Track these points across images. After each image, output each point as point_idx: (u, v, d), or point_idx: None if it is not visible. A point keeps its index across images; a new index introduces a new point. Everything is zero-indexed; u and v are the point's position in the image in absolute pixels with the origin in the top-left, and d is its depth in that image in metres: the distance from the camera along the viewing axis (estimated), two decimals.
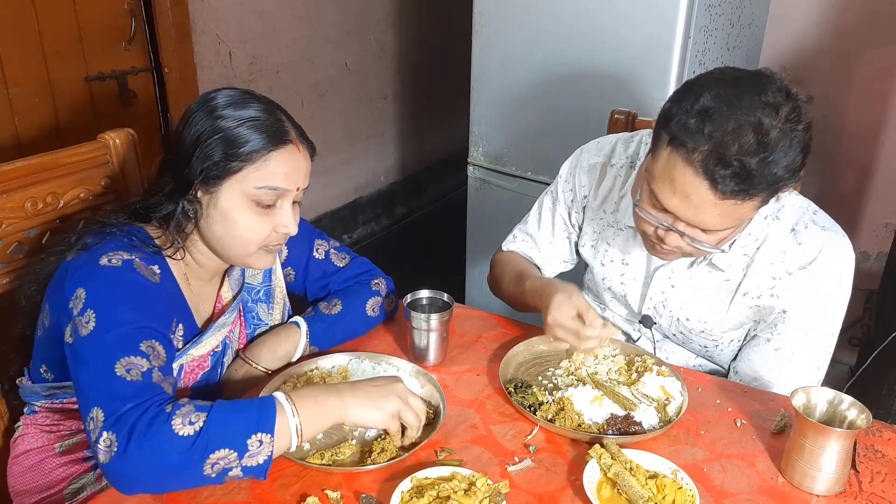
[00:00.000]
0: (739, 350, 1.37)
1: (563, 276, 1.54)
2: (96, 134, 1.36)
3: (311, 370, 1.25)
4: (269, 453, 0.94)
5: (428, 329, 1.26)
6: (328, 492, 0.99)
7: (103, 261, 1.03)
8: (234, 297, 1.26)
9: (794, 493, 1.02)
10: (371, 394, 1.04)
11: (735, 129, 1.02)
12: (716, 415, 1.18)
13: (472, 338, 1.39)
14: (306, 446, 1.07)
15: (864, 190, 2.73)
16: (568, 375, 1.26)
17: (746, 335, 1.35)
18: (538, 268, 1.53)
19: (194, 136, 1.07)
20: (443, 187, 4.44)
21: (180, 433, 0.90)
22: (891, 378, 2.11)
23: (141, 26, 2.43)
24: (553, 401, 1.16)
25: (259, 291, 1.32)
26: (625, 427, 1.11)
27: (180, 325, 1.14)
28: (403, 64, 3.87)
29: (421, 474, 0.99)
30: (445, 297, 1.32)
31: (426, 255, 3.77)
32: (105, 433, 0.90)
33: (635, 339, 1.44)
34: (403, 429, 1.06)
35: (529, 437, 1.12)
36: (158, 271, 1.09)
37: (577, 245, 1.52)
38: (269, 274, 1.33)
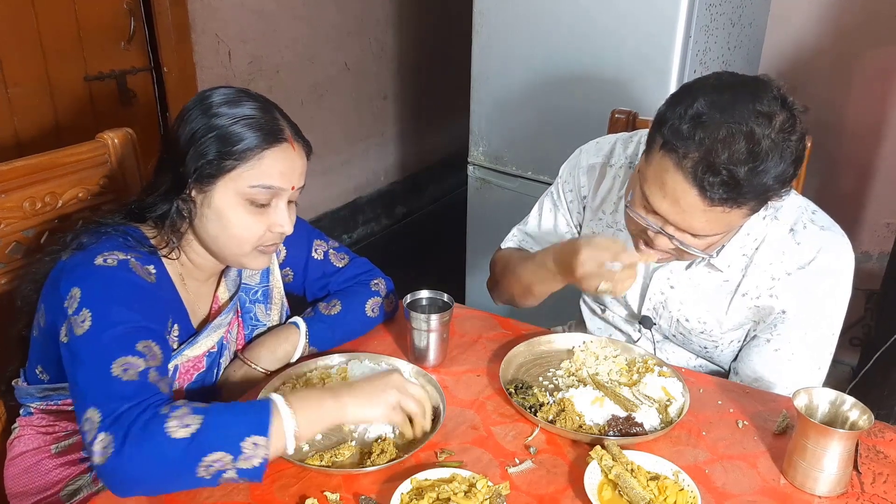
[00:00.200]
0: (739, 350, 1.37)
1: None
2: (96, 134, 1.36)
3: (311, 371, 1.24)
4: (265, 456, 0.93)
5: (428, 329, 1.26)
6: (327, 493, 0.99)
7: (98, 260, 1.02)
8: (231, 298, 1.26)
9: (796, 495, 1.02)
10: (367, 390, 1.03)
11: (726, 138, 1.01)
12: (717, 416, 1.18)
13: (472, 338, 1.38)
14: (305, 448, 1.07)
15: (864, 190, 2.73)
16: (569, 376, 1.25)
17: (746, 336, 1.35)
18: None
19: (189, 133, 1.07)
20: (443, 187, 4.44)
21: (175, 436, 0.89)
22: (893, 379, 2.11)
23: (140, 26, 2.43)
24: (554, 402, 1.16)
25: (257, 292, 1.31)
26: (626, 428, 1.10)
27: (176, 326, 1.13)
28: (403, 64, 3.86)
29: (421, 476, 0.99)
30: (445, 297, 1.32)
31: (426, 256, 3.76)
32: (102, 434, 0.89)
33: (635, 339, 1.44)
34: (411, 420, 1.05)
35: (530, 439, 1.11)
36: (154, 271, 1.09)
37: None
38: (266, 274, 1.32)
